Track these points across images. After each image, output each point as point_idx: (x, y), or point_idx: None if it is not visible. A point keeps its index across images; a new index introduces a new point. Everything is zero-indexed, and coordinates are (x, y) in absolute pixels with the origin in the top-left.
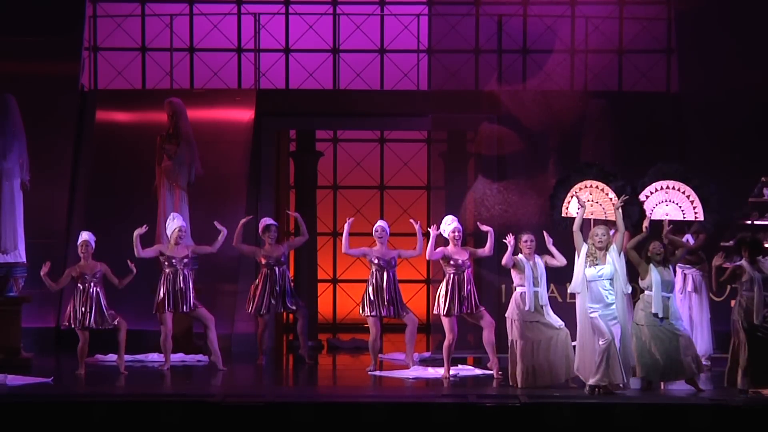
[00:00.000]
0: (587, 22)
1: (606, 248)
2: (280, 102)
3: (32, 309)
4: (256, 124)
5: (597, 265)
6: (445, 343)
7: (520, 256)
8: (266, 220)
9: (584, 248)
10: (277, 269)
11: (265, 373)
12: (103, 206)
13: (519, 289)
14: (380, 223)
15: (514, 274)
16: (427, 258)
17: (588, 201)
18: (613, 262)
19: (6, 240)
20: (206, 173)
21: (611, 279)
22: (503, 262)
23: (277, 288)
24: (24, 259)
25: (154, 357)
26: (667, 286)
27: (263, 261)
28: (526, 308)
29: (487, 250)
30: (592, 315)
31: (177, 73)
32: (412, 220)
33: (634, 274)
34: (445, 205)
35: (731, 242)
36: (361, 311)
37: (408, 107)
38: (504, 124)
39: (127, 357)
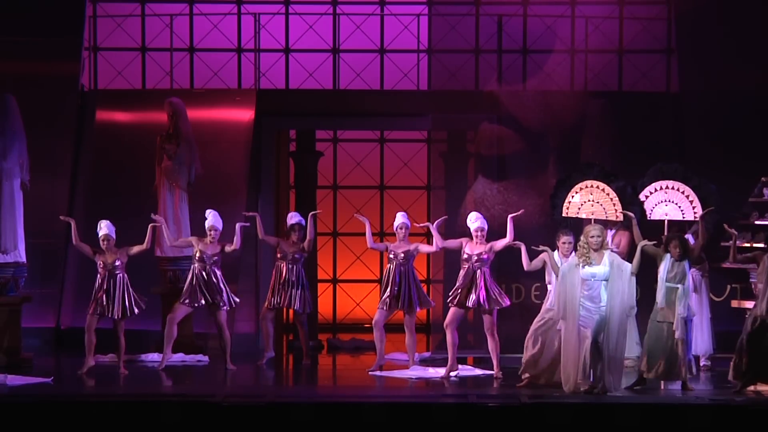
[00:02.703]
0: (587, 22)
1: (600, 248)
2: (280, 102)
3: (32, 309)
4: (256, 124)
5: (592, 264)
6: (445, 323)
7: (556, 255)
8: (293, 217)
9: (565, 266)
10: (292, 266)
11: (265, 373)
12: (103, 206)
13: (551, 288)
14: (403, 219)
15: (546, 272)
16: (440, 246)
17: (588, 201)
18: (615, 270)
19: (6, 240)
20: (206, 173)
21: (605, 281)
22: (526, 267)
23: (283, 284)
24: (24, 259)
25: (154, 357)
26: (675, 278)
27: (278, 255)
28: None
29: (508, 239)
30: (581, 314)
31: (177, 73)
32: (417, 225)
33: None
34: (445, 205)
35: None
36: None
37: (408, 107)
38: (504, 124)
39: (127, 357)
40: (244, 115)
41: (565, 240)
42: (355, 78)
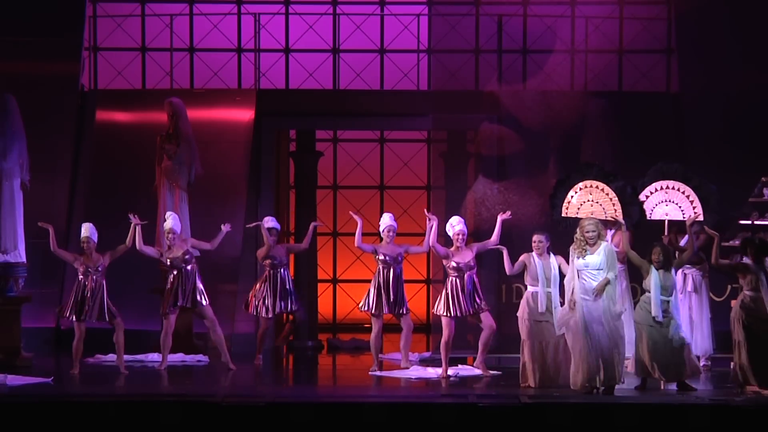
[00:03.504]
0: (587, 22)
1: (596, 242)
2: (280, 102)
3: (32, 309)
4: (256, 124)
5: (586, 255)
6: (442, 341)
7: (532, 255)
8: (268, 222)
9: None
10: (281, 270)
11: (265, 373)
12: (103, 206)
13: (530, 289)
14: (390, 222)
15: (526, 274)
16: (430, 245)
17: (588, 201)
18: (611, 261)
19: (6, 240)
20: (206, 173)
21: (599, 269)
22: (509, 272)
23: (279, 289)
24: (24, 259)
25: (154, 357)
26: (666, 290)
27: (268, 262)
28: (538, 309)
29: (493, 239)
30: (582, 305)
31: (177, 73)
32: (428, 214)
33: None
34: (445, 205)
35: (733, 242)
36: (362, 307)
37: (408, 107)
38: (504, 124)
39: (126, 357)
40: (244, 115)
41: (536, 239)
42: (355, 78)
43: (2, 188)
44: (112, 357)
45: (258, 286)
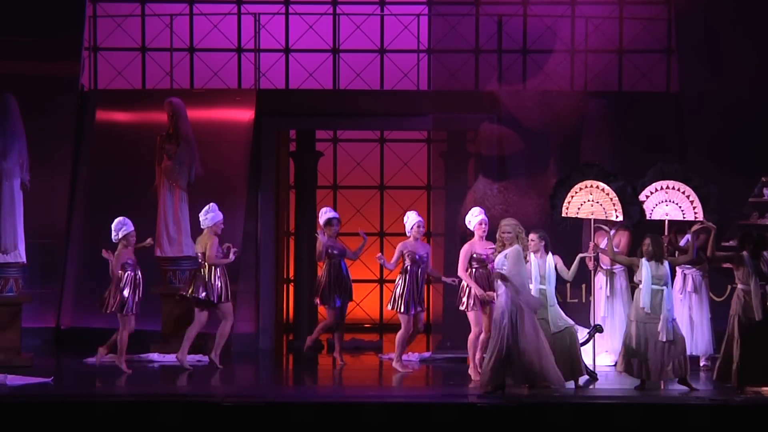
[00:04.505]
0: (587, 22)
1: (512, 243)
2: (280, 102)
3: (32, 309)
4: (256, 124)
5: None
6: (471, 336)
7: (528, 254)
8: (329, 213)
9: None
10: (341, 261)
11: (265, 373)
12: (103, 206)
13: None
14: (418, 218)
15: None
16: (460, 275)
17: (588, 201)
18: (511, 265)
19: (6, 240)
20: (206, 173)
21: (501, 269)
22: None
23: (342, 280)
24: (24, 259)
25: (155, 357)
26: (659, 280)
27: (328, 253)
28: None
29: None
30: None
31: (177, 73)
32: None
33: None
34: (445, 205)
35: (732, 242)
36: (394, 308)
37: (408, 107)
38: (504, 124)
39: (126, 357)
40: (244, 115)
41: (531, 237)
42: (355, 78)
43: (2, 188)
44: (112, 357)
45: (321, 275)
